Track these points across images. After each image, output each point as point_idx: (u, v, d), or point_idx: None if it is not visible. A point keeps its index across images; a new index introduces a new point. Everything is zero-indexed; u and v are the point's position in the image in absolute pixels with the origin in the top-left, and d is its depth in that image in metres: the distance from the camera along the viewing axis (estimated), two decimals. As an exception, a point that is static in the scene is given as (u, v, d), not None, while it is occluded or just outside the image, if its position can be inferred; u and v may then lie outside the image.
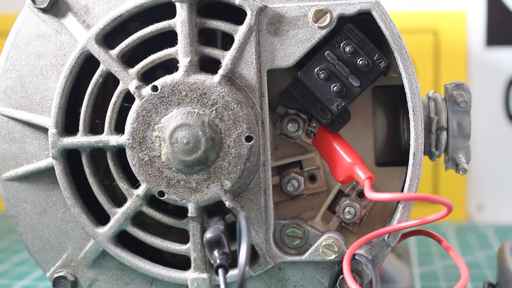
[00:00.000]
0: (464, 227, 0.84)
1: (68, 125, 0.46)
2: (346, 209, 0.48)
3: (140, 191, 0.45)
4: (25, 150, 0.48)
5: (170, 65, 0.45)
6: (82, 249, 0.48)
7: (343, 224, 0.48)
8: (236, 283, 0.35)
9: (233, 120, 0.43)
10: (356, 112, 0.47)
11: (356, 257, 0.44)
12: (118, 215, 0.46)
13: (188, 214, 0.45)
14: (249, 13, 0.44)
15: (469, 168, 0.48)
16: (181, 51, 0.44)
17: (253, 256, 0.46)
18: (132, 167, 0.45)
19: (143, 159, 0.44)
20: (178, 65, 0.44)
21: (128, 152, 0.44)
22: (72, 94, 0.46)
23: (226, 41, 0.46)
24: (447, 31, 0.84)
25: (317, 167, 0.48)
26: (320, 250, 0.46)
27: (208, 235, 0.41)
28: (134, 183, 0.46)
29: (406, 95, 0.44)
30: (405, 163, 0.45)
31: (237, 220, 0.37)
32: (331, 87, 0.45)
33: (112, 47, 0.45)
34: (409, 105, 0.44)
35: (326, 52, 0.44)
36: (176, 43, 0.44)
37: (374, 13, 0.43)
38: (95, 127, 0.46)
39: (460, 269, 0.42)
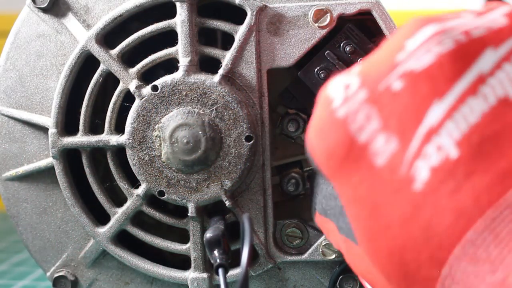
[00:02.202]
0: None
1: (68, 125, 0.46)
2: (346, 209, 0.48)
3: (140, 190, 0.45)
4: (25, 150, 0.48)
5: (170, 65, 0.45)
6: (82, 249, 0.48)
7: (343, 224, 0.48)
8: (238, 283, 0.35)
9: (233, 119, 0.43)
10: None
11: None
12: (118, 214, 0.46)
13: (188, 214, 0.45)
14: (249, 12, 0.44)
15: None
16: (181, 51, 0.44)
17: (253, 256, 0.46)
18: (132, 167, 0.45)
19: (143, 159, 0.44)
20: (178, 64, 0.44)
21: (128, 152, 0.44)
22: (72, 94, 0.46)
23: (226, 41, 0.46)
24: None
25: (317, 167, 0.48)
26: (320, 250, 0.46)
27: (208, 234, 0.41)
28: (134, 183, 0.46)
29: (406, 95, 0.44)
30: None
31: (240, 221, 0.37)
32: (331, 87, 0.45)
33: (112, 47, 0.45)
34: (409, 105, 0.44)
35: (326, 52, 0.44)
36: (176, 43, 0.44)
37: (374, 13, 0.43)
38: (95, 127, 0.46)
39: None
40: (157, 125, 0.44)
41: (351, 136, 0.26)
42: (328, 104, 0.27)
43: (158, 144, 0.44)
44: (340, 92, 0.27)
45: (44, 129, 0.47)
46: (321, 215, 0.35)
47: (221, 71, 0.44)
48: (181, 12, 0.44)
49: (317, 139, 0.28)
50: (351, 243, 0.31)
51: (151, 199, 0.46)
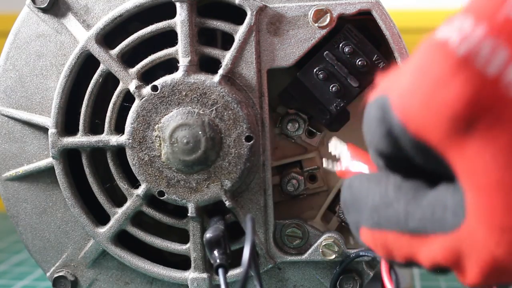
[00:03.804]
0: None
1: (68, 125, 0.47)
2: (346, 209, 0.48)
3: (140, 191, 0.45)
4: (25, 150, 0.48)
5: (170, 65, 0.45)
6: (82, 249, 0.48)
7: (343, 224, 0.48)
8: (239, 283, 0.35)
9: (233, 120, 0.43)
10: (356, 112, 0.47)
11: (361, 253, 0.45)
12: (118, 215, 0.46)
13: (188, 214, 0.45)
14: (249, 13, 0.44)
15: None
16: (181, 51, 0.44)
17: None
18: (132, 167, 0.45)
19: (143, 159, 0.44)
20: (178, 65, 0.44)
21: (128, 152, 0.44)
22: (72, 94, 0.46)
23: (226, 41, 0.46)
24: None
25: (317, 167, 0.48)
26: (320, 250, 0.46)
27: (208, 235, 0.41)
28: (134, 183, 0.46)
29: (406, 95, 0.44)
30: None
31: (245, 221, 0.37)
32: (330, 88, 0.45)
33: (112, 47, 0.45)
34: (409, 105, 0.44)
35: (325, 53, 0.44)
36: (176, 43, 0.44)
37: (374, 13, 0.43)
38: (95, 127, 0.46)
39: None
40: (157, 125, 0.44)
41: (480, 73, 0.24)
42: (442, 48, 0.25)
43: (158, 144, 0.44)
44: (454, 33, 0.25)
45: (44, 129, 0.47)
46: (374, 229, 0.31)
47: (221, 71, 0.44)
48: (181, 12, 0.44)
49: (429, 92, 0.25)
50: (435, 236, 0.27)
51: (151, 199, 0.46)
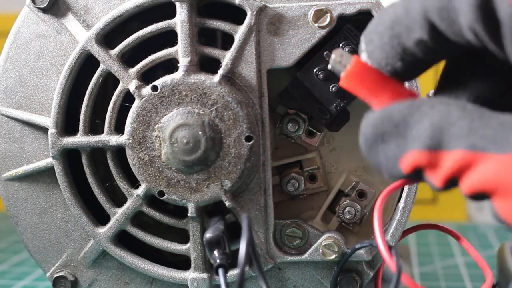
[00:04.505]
0: (465, 227, 0.84)
1: (68, 125, 0.47)
2: (346, 209, 0.48)
3: (140, 191, 0.45)
4: (25, 150, 0.48)
5: (170, 65, 0.45)
6: (82, 249, 0.48)
7: (343, 224, 0.48)
8: (236, 283, 0.35)
9: (233, 120, 0.43)
10: (356, 112, 0.47)
11: (356, 246, 0.44)
12: (118, 215, 0.46)
13: (188, 214, 0.45)
14: (249, 13, 0.44)
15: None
16: (181, 51, 0.44)
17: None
18: (132, 167, 0.45)
19: (143, 159, 0.44)
20: (178, 65, 0.44)
21: (128, 152, 0.44)
22: (72, 94, 0.46)
23: (226, 41, 0.46)
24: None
25: (317, 167, 0.48)
26: (320, 250, 0.46)
27: (208, 235, 0.41)
28: (134, 183, 0.46)
29: (406, 95, 0.44)
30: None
31: (241, 221, 0.37)
32: (330, 88, 0.45)
33: (112, 47, 0.45)
34: (409, 105, 0.44)
35: (325, 53, 0.44)
36: (176, 43, 0.44)
37: (374, 13, 0.43)
38: (95, 127, 0.46)
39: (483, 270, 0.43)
40: (157, 125, 0.44)
41: None
42: None
43: (158, 144, 0.44)
44: None
45: (44, 129, 0.47)
46: (430, 150, 0.28)
47: (221, 71, 0.44)
48: (181, 12, 0.44)
49: None
50: (492, 155, 0.26)
51: (151, 199, 0.46)
